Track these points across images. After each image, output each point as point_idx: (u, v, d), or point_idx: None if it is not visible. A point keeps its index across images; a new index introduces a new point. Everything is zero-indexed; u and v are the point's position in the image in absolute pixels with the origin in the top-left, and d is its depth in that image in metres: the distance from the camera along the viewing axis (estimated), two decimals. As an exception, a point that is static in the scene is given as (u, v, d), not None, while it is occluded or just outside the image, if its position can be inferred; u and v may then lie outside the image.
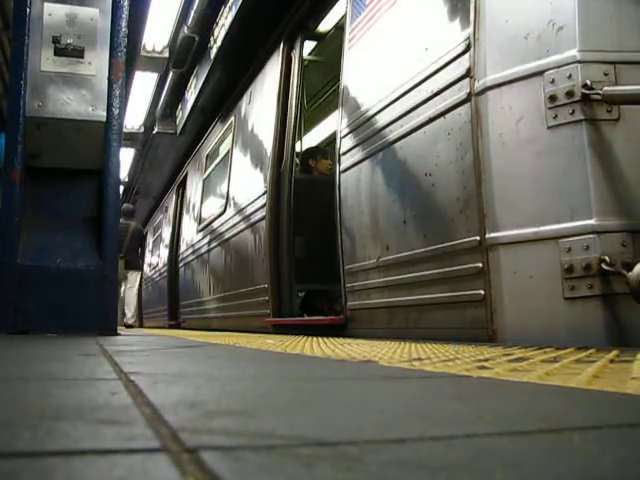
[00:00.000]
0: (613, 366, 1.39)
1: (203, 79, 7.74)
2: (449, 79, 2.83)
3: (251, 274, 5.56)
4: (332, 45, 4.54)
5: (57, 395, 0.90)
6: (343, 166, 3.83)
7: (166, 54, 7.96)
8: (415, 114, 3.08)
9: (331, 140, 6.46)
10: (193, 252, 8.09)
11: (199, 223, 7.91)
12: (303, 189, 4.94)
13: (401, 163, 3.21)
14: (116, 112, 3.91)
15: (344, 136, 3.85)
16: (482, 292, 2.57)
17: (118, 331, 4.02)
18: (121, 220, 6.97)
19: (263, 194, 5.24)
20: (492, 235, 2.54)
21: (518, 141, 2.51)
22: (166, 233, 10.47)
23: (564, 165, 2.39)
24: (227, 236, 6.40)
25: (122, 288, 9.71)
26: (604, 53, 2.41)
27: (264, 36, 5.78)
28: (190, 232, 8.48)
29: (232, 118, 6.83)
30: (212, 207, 7.41)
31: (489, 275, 2.55)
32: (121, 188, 11.25)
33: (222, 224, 6.61)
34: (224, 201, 6.63)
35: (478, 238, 2.60)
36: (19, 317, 3.60)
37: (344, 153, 3.83)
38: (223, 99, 7.46)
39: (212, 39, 7.16)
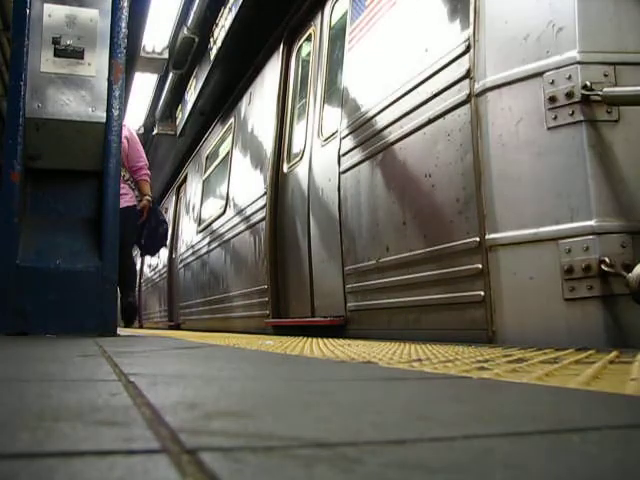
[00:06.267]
0: (613, 367, 1.39)
1: (203, 80, 7.75)
2: (449, 80, 2.84)
3: (251, 275, 5.56)
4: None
5: (56, 396, 0.90)
6: (343, 167, 3.83)
7: (166, 55, 7.98)
8: (415, 115, 3.08)
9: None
10: (193, 253, 8.09)
11: (199, 224, 7.92)
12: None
13: (401, 164, 3.21)
14: (116, 113, 3.91)
15: (344, 137, 3.85)
16: (482, 293, 2.57)
17: (117, 332, 4.01)
18: None
19: (263, 195, 5.24)
20: (492, 236, 2.54)
21: (518, 142, 2.51)
22: (166, 234, 10.46)
23: (564, 166, 2.39)
24: (227, 237, 6.40)
25: None
26: (604, 54, 2.41)
27: (264, 37, 5.79)
28: (190, 233, 8.48)
29: (232, 119, 6.83)
30: (212, 208, 7.41)
31: (489, 276, 2.55)
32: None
33: (222, 225, 6.62)
34: (224, 202, 6.64)
35: (478, 239, 2.61)
36: (18, 318, 3.60)
37: (344, 154, 3.83)
38: (223, 100, 7.47)
39: (212, 40, 7.17)
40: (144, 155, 5.01)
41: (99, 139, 3.89)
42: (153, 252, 5.67)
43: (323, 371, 1.45)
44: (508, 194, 2.53)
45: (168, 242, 10.07)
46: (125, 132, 4.58)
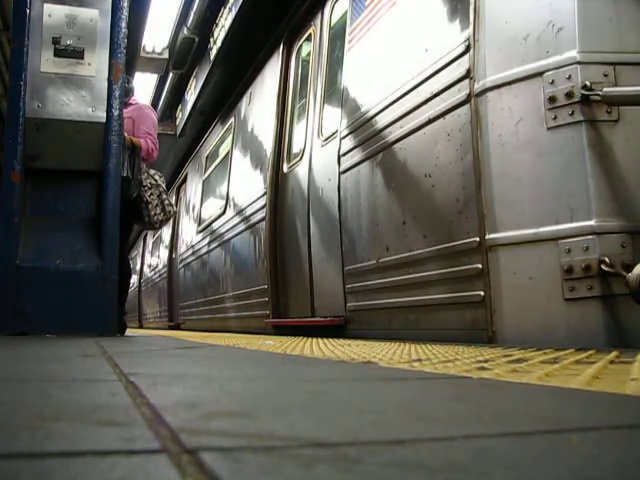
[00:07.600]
0: (613, 367, 1.39)
1: (203, 80, 7.75)
2: (449, 80, 2.84)
3: (251, 275, 5.56)
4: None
5: (57, 396, 0.90)
6: (343, 167, 3.83)
7: (166, 55, 7.98)
8: (415, 115, 3.08)
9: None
10: (193, 253, 8.09)
11: (199, 224, 7.92)
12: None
13: (401, 164, 3.21)
14: (116, 113, 3.91)
15: (344, 137, 3.85)
16: (482, 293, 2.57)
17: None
18: None
19: (263, 195, 5.24)
20: (492, 236, 2.54)
21: (518, 142, 2.51)
22: (166, 234, 10.48)
23: (564, 166, 2.39)
24: (227, 237, 6.40)
25: None
26: (604, 54, 2.41)
27: (264, 37, 5.79)
28: (190, 233, 8.48)
29: (232, 119, 6.83)
30: (212, 208, 7.42)
31: (489, 276, 2.55)
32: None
33: (222, 225, 6.62)
34: (224, 202, 6.64)
35: (478, 239, 2.61)
36: (18, 318, 3.60)
37: (344, 154, 3.83)
38: (223, 100, 7.47)
39: (212, 40, 7.17)
40: (153, 132, 4.47)
41: (99, 139, 3.89)
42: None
43: (323, 371, 1.45)
44: (508, 194, 2.53)
45: (168, 242, 10.11)
46: (131, 112, 4.36)
